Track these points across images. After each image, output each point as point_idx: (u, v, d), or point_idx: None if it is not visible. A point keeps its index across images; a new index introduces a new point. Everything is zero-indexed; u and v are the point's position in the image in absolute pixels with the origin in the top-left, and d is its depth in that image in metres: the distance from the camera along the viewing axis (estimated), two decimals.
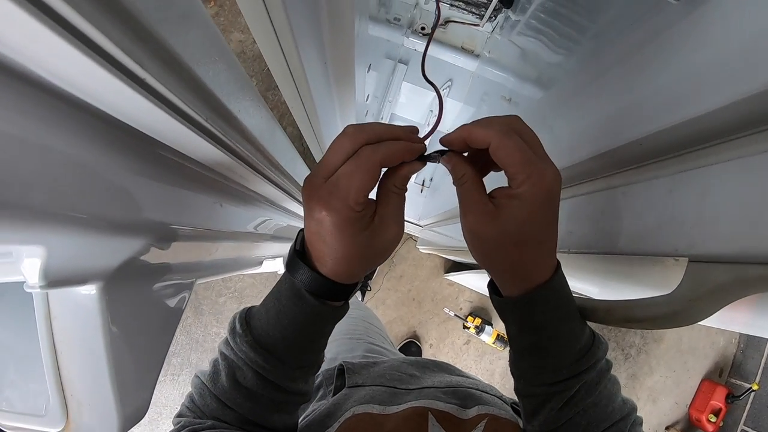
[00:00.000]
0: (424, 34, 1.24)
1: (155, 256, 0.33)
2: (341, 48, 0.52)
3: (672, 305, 0.32)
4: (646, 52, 0.38)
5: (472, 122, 0.31)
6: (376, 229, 0.32)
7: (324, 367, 0.58)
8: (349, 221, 0.29)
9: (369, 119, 1.16)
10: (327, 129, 0.76)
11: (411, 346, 1.64)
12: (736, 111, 0.27)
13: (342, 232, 0.30)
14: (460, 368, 0.63)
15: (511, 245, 0.31)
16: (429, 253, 1.66)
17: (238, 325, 0.34)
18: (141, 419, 0.30)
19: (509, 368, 0.40)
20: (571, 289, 0.44)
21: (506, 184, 0.31)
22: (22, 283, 0.25)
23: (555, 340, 0.35)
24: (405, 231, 1.57)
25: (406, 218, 1.51)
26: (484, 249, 0.33)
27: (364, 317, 0.84)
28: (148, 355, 0.32)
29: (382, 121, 1.35)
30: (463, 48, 1.25)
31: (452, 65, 1.28)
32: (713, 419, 1.70)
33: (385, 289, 1.72)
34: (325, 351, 0.72)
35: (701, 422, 1.73)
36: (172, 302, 0.36)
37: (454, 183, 0.33)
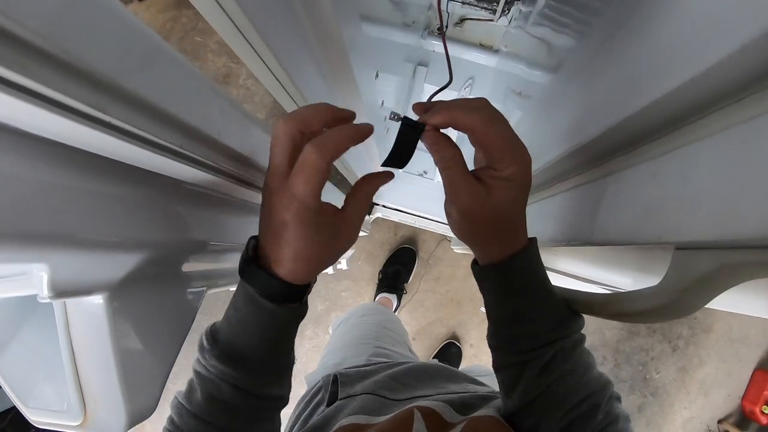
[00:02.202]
0: (440, 34, 1.24)
1: (161, 268, 0.36)
2: (335, 61, 0.54)
3: (659, 298, 0.31)
4: (630, 25, 0.36)
5: (450, 105, 0.33)
6: (339, 231, 0.33)
7: (326, 372, 0.60)
8: (308, 221, 0.30)
9: (386, 126, 1.18)
10: None
11: (451, 348, 1.63)
12: (709, 80, 0.26)
13: (304, 232, 0.31)
14: (485, 365, 0.62)
15: (501, 220, 0.35)
16: (464, 253, 1.64)
17: (205, 341, 0.34)
18: (149, 415, 0.34)
19: (487, 342, 0.42)
20: (605, 282, 0.43)
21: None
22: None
23: (533, 306, 0.38)
24: (438, 232, 1.56)
25: (435, 218, 1.50)
26: (475, 226, 0.36)
27: (380, 322, 0.85)
28: (156, 359, 0.35)
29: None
30: (481, 45, 1.24)
31: (472, 63, 1.27)
32: None
33: (422, 291, 1.72)
34: (332, 356, 0.75)
35: (755, 414, 1.61)
36: (181, 310, 0.39)
37: (439, 165, 0.35)
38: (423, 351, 1.71)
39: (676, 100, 0.29)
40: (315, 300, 1.75)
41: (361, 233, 1.36)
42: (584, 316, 0.41)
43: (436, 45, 1.29)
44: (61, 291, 0.28)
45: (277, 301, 0.33)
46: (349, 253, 1.45)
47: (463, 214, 0.35)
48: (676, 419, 1.71)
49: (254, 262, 0.33)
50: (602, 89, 0.39)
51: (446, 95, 1.29)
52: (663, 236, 0.30)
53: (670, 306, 0.31)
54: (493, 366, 0.42)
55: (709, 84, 0.26)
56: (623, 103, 0.34)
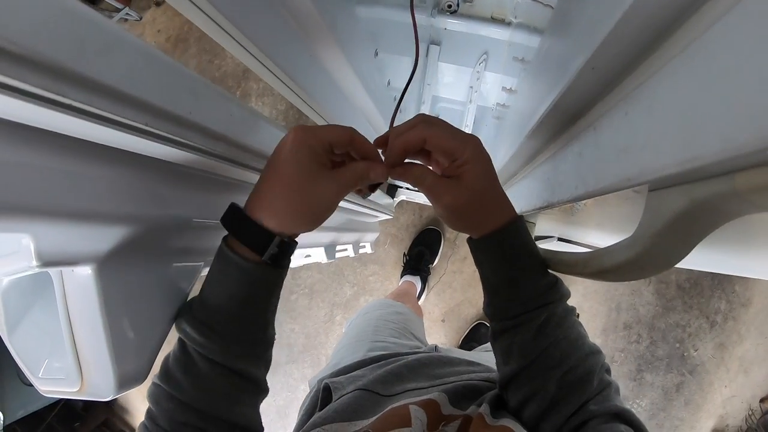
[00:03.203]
0: (451, 12, 1.22)
1: (152, 241, 0.39)
2: (321, 41, 0.54)
3: (635, 247, 0.30)
4: None
5: (395, 135, 0.39)
6: (326, 184, 0.36)
7: (322, 375, 0.62)
8: (316, 162, 0.35)
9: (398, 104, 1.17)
10: (344, 117, 0.79)
11: (480, 328, 1.62)
12: None
13: (308, 171, 0.35)
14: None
15: (481, 196, 0.39)
16: None
17: (180, 308, 0.37)
18: (140, 382, 0.36)
19: (484, 312, 0.45)
20: None
21: None
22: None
23: (523, 271, 0.40)
24: None
25: None
26: (464, 212, 0.40)
27: (382, 316, 0.88)
28: (147, 329, 0.37)
29: (420, 111, 1.37)
30: (493, 18, 1.20)
31: (485, 38, 1.24)
32: None
33: (450, 272, 1.71)
34: (333, 357, 0.77)
35: None
36: (175, 284, 0.41)
37: (414, 185, 0.40)
38: (452, 333, 1.70)
39: (634, 23, 0.27)
40: (344, 285, 1.79)
41: (386, 216, 1.37)
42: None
43: (448, 23, 1.27)
44: (47, 260, 0.30)
45: (250, 251, 0.35)
46: (374, 236, 1.47)
47: (450, 209, 0.39)
48: (715, 398, 1.63)
49: (238, 211, 0.36)
50: (573, 31, 0.37)
51: (461, 73, 1.26)
52: (632, 178, 0.29)
53: (646, 256, 0.29)
54: (491, 336, 0.44)
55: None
56: (589, 39, 0.32)
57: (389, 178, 0.41)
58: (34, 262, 0.30)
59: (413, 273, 1.58)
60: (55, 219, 0.30)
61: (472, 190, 0.38)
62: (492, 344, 0.44)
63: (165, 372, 0.36)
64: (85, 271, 0.33)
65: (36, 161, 0.28)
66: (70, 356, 0.34)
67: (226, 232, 0.37)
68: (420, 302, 1.61)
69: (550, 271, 0.42)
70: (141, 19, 2.02)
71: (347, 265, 1.77)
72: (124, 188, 0.35)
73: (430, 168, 0.41)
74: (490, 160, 0.39)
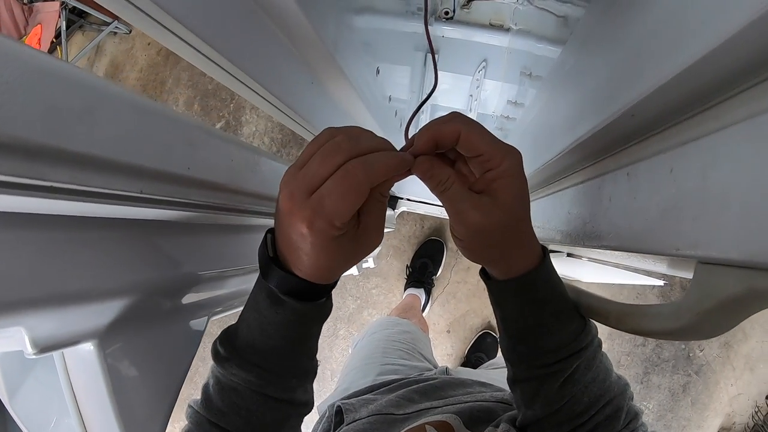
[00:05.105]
0: (447, 18, 1.20)
1: (152, 306, 0.36)
2: (323, 66, 0.52)
3: (678, 319, 0.28)
4: None
5: (428, 125, 0.32)
6: (360, 238, 0.32)
7: (333, 399, 0.60)
8: (333, 240, 0.29)
9: (399, 119, 1.15)
10: None
11: (486, 338, 1.60)
12: (738, 47, 0.21)
13: (325, 249, 0.29)
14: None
15: (515, 224, 0.33)
16: None
17: (221, 350, 0.34)
18: None
19: (503, 356, 0.41)
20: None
21: None
22: None
23: (554, 316, 0.36)
24: None
25: None
26: (492, 240, 0.33)
27: (389, 336, 0.86)
28: (156, 395, 0.35)
29: (419, 120, 1.34)
30: (491, 24, 1.18)
31: (484, 45, 1.22)
32: None
33: (453, 282, 1.69)
34: (342, 381, 0.75)
35: None
36: (181, 344, 0.39)
37: (434, 190, 0.33)
38: (458, 343, 1.69)
39: (697, 77, 0.24)
40: (346, 299, 1.77)
41: (387, 229, 1.35)
42: None
43: (446, 30, 1.24)
44: (44, 347, 0.28)
45: (298, 299, 0.32)
46: (375, 251, 1.45)
47: (477, 231, 0.32)
48: (722, 397, 1.64)
49: (275, 262, 0.32)
50: (615, 59, 0.34)
51: (459, 81, 1.24)
52: (681, 249, 0.26)
53: (690, 329, 0.27)
54: (509, 380, 0.41)
55: (740, 50, 0.20)
56: (641, 76, 0.28)
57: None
58: (30, 350, 0.27)
59: (417, 286, 1.57)
60: (47, 306, 0.27)
61: (508, 210, 0.31)
62: (510, 387, 0.41)
63: (206, 403, 0.34)
64: (87, 347, 0.31)
65: (19, 248, 0.25)
66: (77, 427, 0.32)
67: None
68: (424, 314, 1.59)
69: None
70: (131, 32, 1.98)
71: (349, 279, 1.75)
72: (119, 258, 0.32)
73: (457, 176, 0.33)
74: (527, 181, 0.33)
